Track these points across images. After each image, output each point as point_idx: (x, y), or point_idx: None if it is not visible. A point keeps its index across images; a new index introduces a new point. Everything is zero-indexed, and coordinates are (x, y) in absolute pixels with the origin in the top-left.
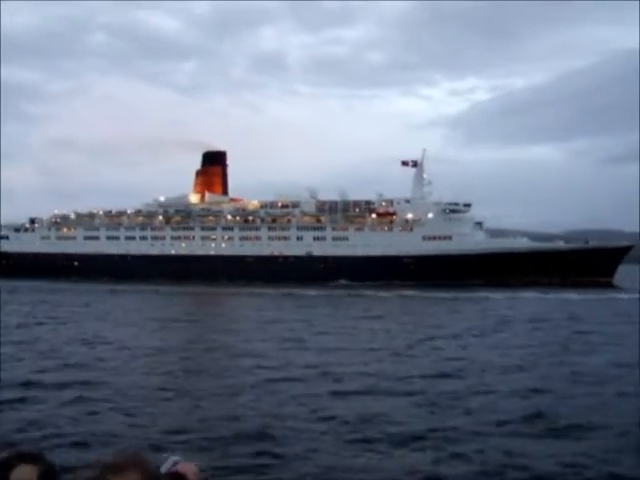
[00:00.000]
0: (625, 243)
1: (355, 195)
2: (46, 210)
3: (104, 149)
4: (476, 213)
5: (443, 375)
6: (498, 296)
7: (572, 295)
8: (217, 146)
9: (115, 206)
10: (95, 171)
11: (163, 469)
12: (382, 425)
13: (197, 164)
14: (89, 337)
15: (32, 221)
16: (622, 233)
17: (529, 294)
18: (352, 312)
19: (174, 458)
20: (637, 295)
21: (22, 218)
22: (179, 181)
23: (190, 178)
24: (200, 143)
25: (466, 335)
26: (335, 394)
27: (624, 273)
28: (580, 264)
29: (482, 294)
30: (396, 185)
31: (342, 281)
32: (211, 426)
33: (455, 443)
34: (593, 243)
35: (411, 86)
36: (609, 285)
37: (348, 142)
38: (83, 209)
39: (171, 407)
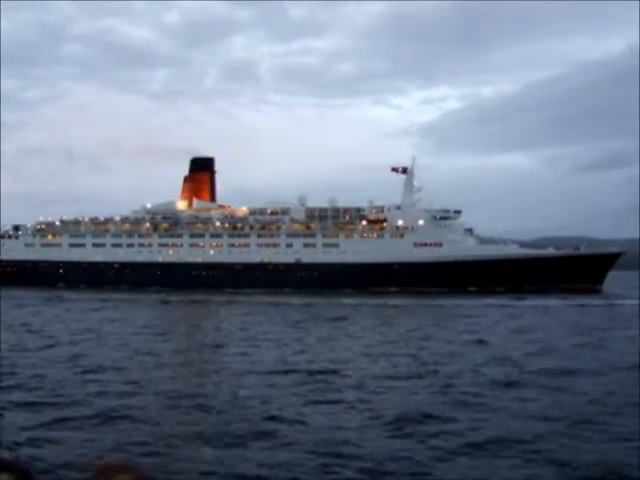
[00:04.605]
0: (615, 250)
1: (336, 202)
2: (22, 217)
3: (80, 156)
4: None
5: None
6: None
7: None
8: (198, 153)
9: (98, 213)
10: (72, 179)
11: None
12: None
13: (179, 171)
14: None
15: (16, 228)
16: (597, 240)
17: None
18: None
19: None
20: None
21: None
22: (160, 188)
23: (172, 186)
24: (183, 150)
25: None
26: None
27: (611, 279)
28: (571, 271)
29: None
30: (373, 191)
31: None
32: None
33: None
34: (584, 250)
35: (382, 95)
36: (597, 291)
37: (322, 150)
38: (66, 216)
39: None
